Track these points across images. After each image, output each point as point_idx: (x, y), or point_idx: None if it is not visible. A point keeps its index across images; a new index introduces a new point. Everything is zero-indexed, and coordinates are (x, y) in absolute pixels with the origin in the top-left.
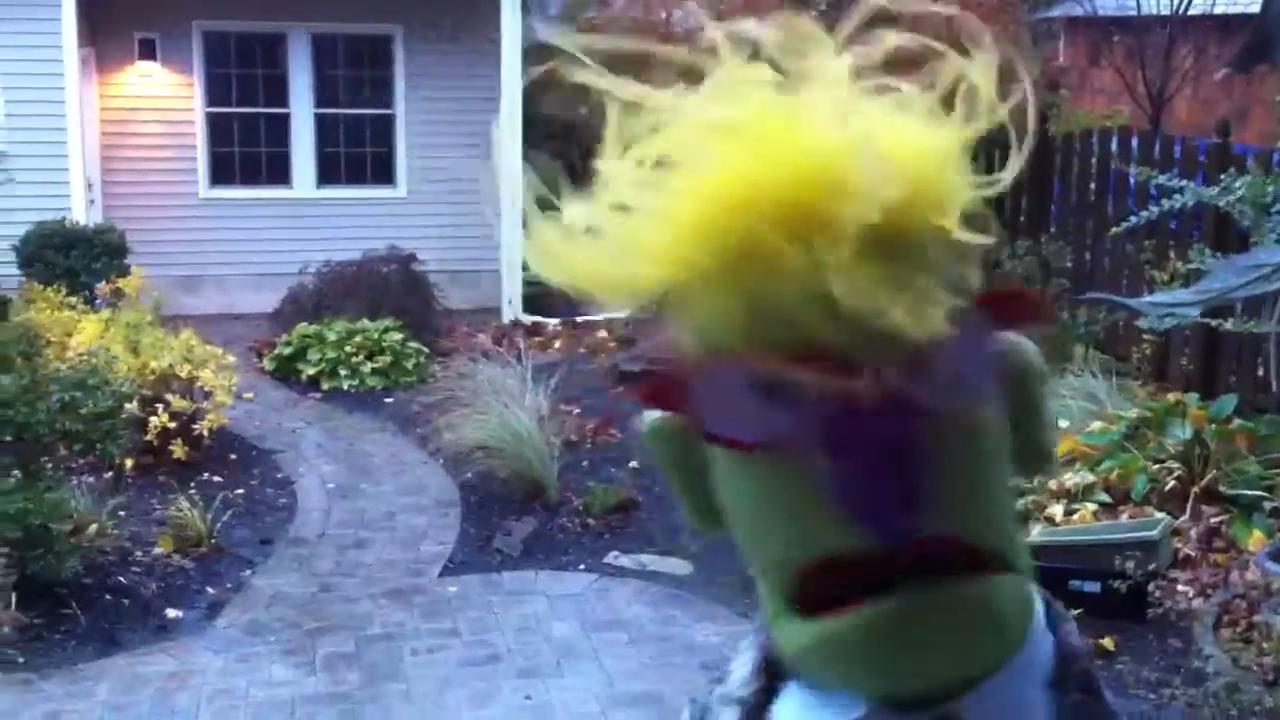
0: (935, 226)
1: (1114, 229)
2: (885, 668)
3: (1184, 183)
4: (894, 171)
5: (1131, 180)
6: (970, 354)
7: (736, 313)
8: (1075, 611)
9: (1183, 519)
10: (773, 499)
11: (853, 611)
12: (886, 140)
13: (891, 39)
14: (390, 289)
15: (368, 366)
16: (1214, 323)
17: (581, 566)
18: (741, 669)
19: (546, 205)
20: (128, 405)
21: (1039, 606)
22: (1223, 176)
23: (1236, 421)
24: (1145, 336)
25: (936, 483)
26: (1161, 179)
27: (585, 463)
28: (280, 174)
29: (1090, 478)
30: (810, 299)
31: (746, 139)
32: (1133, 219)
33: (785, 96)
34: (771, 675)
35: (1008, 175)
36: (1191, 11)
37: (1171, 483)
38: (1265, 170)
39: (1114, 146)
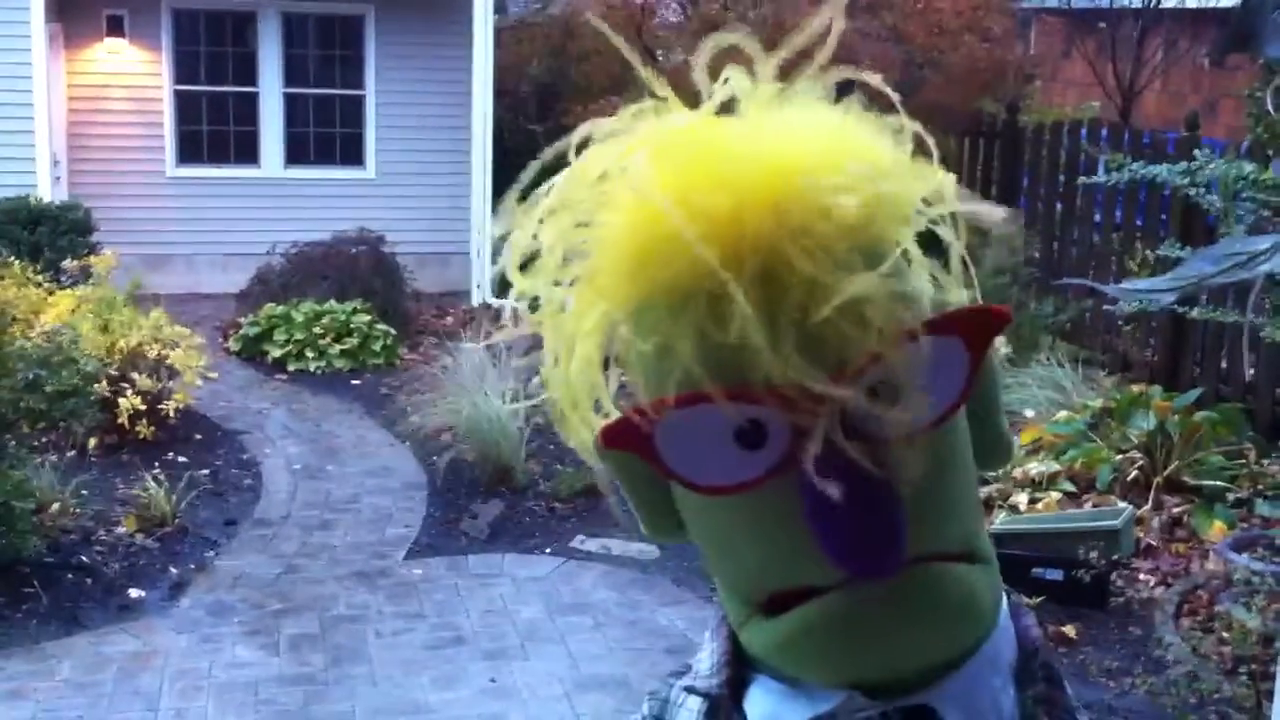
0: (891, 239)
1: (1081, 178)
2: (853, 654)
3: (1157, 169)
4: (846, 183)
5: (1101, 171)
6: (937, 372)
7: (687, 348)
8: (1038, 599)
9: (1145, 508)
10: (743, 531)
11: (816, 601)
12: (834, 151)
13: (831, 72)
14: (359, 271)
15: (335, 348)
16: (1181, 309)
17: (548, 550)
18: (707, 660)
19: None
20: (96, 386)
21: (1002, 598)
22: (1195, 153)
23: (1200, 413)
24: (1118, 327)
25: (916, 507)
26: (1133, 168)
27: (553, 446)
28: (248, 153)
29: (1055, 466)
30: (759, 327)
31: (677, 161)
32: (1100, 177)
33: (721, 116)
34: (738, 667)
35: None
36: (1164, 4)
37: (1134, 472)
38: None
39: (1084, 138)
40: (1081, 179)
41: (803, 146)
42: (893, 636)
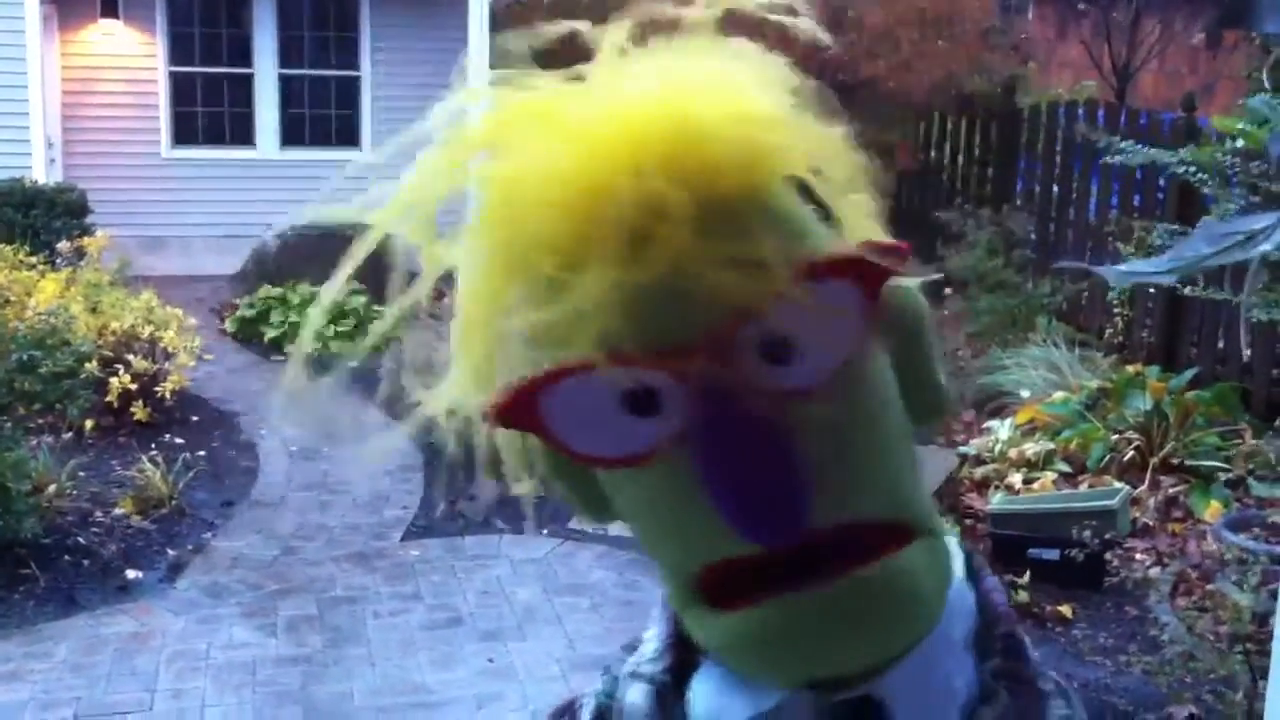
0: (768, 191)
1: (1105, 158)
2: (796, 662)
3: (1145, 149)
4: (715, 133)
5: (1097, 152)
6: (829, 321)
7: (561, 314)
8: (1032, 580)
9: (1141, 489)
10: (654, 506)
11: (763, 605)
12: (706, 99)
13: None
14: None
15: (331, 329)
16: (1180, 288)
17: (544, 531)
18: (652, 642)
19: None
20: (88, 366)
21: (958, 562)
22: (1185, 150)
23: (1192, 392)
24: (1114, 309)
25: (821, 468)
26: (1123, 146)
27: None
28: (244, 135)
29: (1050, 446)
30: (632, 290)
31: (533, 125)
32: (1101, 160)
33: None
34: (683, 650)
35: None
36: None
37: (1131, 453)
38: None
39: (1081, 119)
40: (1107, 158)
41: (671, 96)
42: (837, 643)
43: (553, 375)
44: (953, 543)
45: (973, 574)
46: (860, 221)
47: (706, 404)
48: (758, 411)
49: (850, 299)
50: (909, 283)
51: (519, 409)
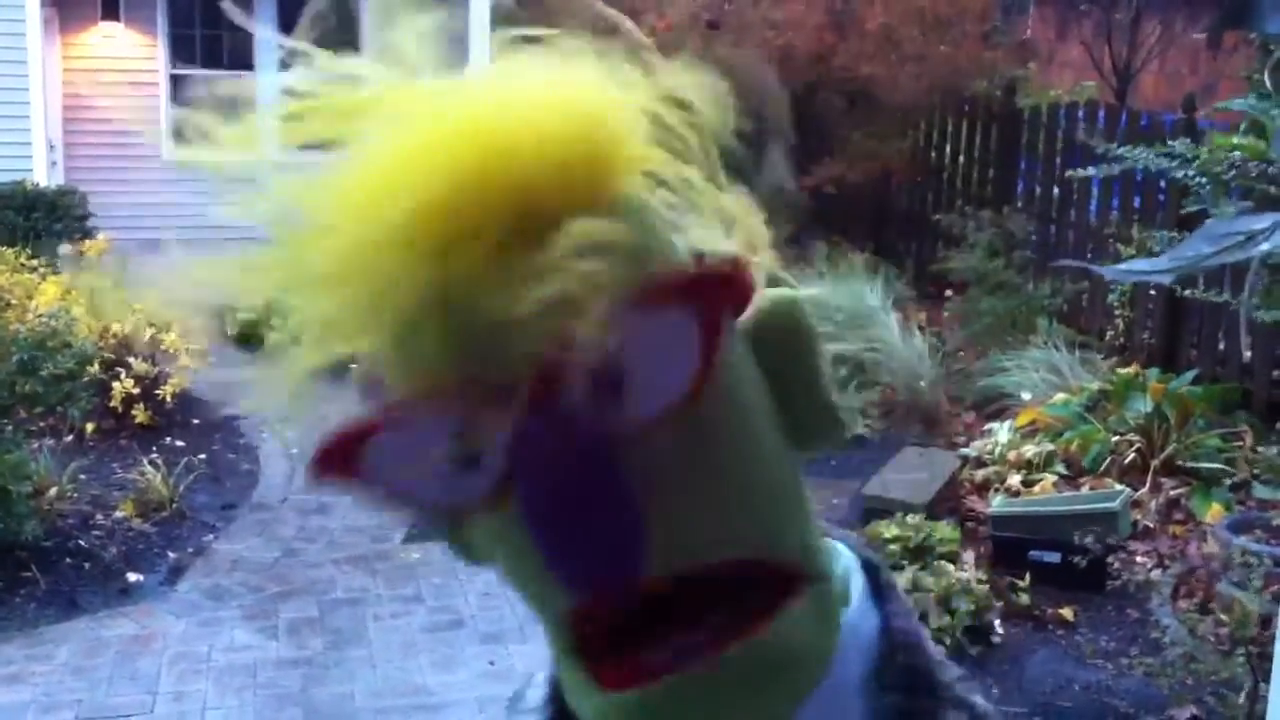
0: (600, 207)
1: (1069, 172)
2: None
3: (1145, 151)
4: (538, 148)
5: (1096, 155)
6: (663, 353)
7: (377, 347)
8: (1034, 582)
9: (1142, 491)
10: (500, 552)
11: (643, 688)
12: (522, 112)
13: None
14: None
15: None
16: (1180, 290)
17: None
18: (539, 689)
19: None
20: (89, 368)
21: (859, 580)
22: (1178, 142)
23: (1186, 388)
24: (1115, 311)
25: (660, 511)
26: (1121, 150)
27: None
28: None
29: (1051, 448)
30: (451, 321)
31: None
32: (1090, 170)
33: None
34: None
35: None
36: None
37: (1131, 455)
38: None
39: (1081, 120)
40: (1069, 172)
41: (493, 111)
42: (712, 715)
43: (372, 421)
44: (852, 561)
45: (880, 593)
46: (720, 241)
47: (530, 444)
48: (584, 452)
49: (685, 330)
50: (787, 296)
51: (338, 459)
